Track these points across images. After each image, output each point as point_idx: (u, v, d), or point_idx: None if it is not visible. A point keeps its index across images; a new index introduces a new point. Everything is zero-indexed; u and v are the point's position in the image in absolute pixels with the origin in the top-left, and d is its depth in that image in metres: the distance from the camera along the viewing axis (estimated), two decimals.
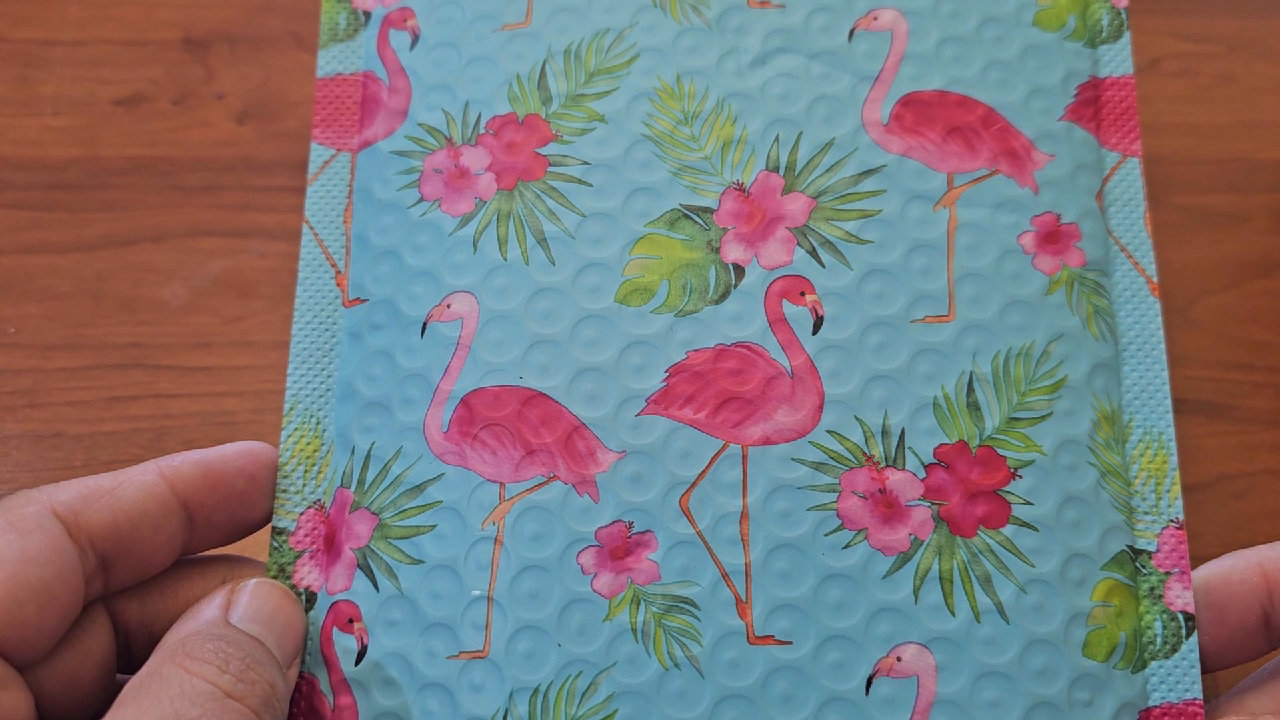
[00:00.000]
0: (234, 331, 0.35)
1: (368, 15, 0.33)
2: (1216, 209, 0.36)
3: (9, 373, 0.34)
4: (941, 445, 0.28)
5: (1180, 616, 0.28)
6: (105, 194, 0.36)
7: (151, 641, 0.28)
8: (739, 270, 0.29)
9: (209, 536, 0.28)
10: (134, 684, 0.24)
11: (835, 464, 0.28)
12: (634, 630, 0.27)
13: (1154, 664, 0.27)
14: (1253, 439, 0.34)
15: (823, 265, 0.29)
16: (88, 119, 0.36)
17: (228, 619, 0.26)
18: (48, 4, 0.37)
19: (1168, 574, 0.28)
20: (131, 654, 0.28)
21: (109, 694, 0.28)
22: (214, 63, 0.36)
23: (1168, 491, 0.29)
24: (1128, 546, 0.28)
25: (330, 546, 0.29)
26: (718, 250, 0.30)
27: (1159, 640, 0.28)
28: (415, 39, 0.32)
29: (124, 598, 0.28)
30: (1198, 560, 0.29)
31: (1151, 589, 0.28)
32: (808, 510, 0.28)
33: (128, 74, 0.37)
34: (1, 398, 0.34)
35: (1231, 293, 0.35)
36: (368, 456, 0.29)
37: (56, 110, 0.36)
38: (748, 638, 0.27)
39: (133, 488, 0.27)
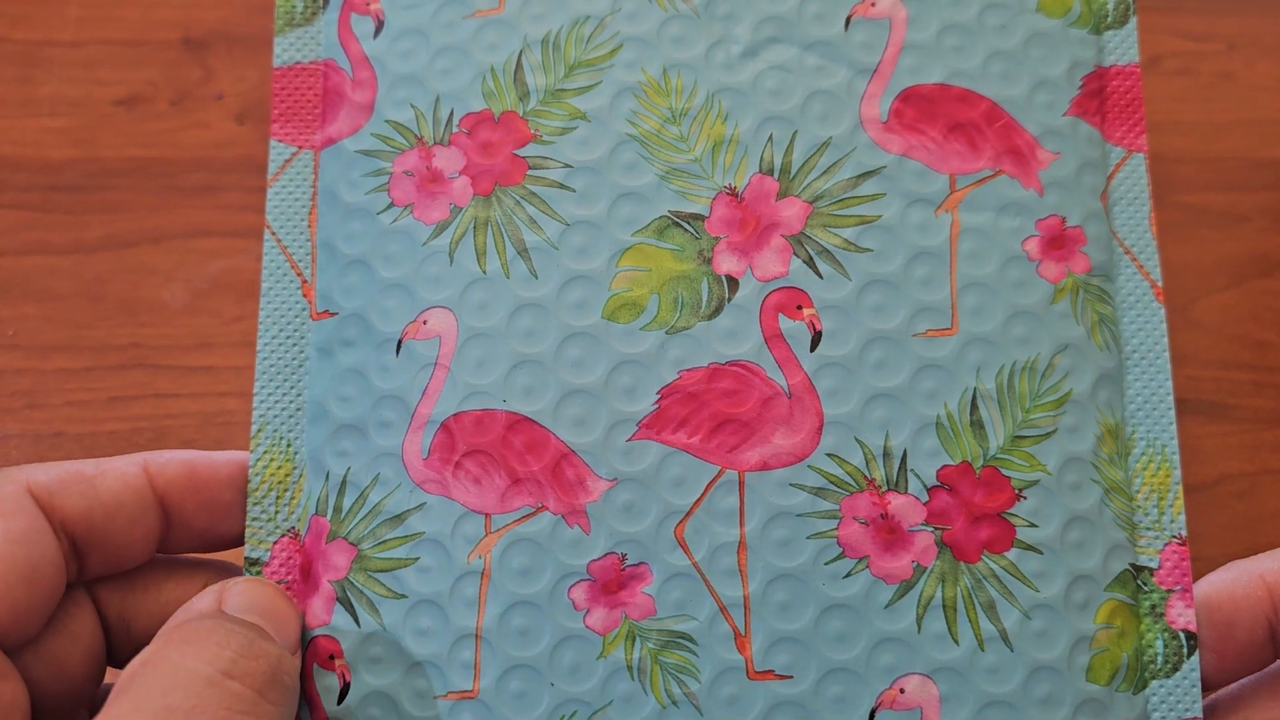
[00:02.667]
0: (233, 332, 0.35)
1: None
2: (1217, 208, 0.35)
3: (9, 374, 0.34)
4: (945, 467, 0.27)
5: (1182, 635, 0.27)
6: (104, 195, 0.36)
7: (130, 638, 0.27)
8: (732, 283, 0.28)
9: (185, 540, 0.28)
10: (128, 673, 0.23)
11: (835, 489, 0.27)
12: (629, 667, 0.26)
13: (1154, 683, 0.27)
14: (1253, 439, 0.34)
15: (820, 276, 0.28)
16: (87, 120, 0.36)
17: (222, 610, 0.25)
18: (47, 4, 0.37)
19: (1169, 591, 0.27)
20: (112, 649, 0.27)
21: (100, 688, 0.27)
22: (213, 63, 0.35)
23: (1170, 506, 0.28)
24: (1130, 565, 0.27)
25: (307, 578, 0.28)
26: (710, 261, 0.28)
27: (1160, 659, 0.27)
28: (379, 25, 0.30)
29: (106, 590, 0.27)
30: (1198, 561, 0.28)
31: (1153, 607, 0.27)
32: (807, 538, 0.27)
33: (126, 75, 0.36)
34: (1, 398, 0.34)
35: (1232, 292, 0.35)
36: (343, 482, 0.28)
37: (55, 111, 0.36)
38: (747, 673, 0.26)
39: (113, 477, 0.26)
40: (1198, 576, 0.27)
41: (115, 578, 0.27)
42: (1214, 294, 0.34)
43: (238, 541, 0.28)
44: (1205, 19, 0.36)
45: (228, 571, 0.28)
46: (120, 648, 0.27)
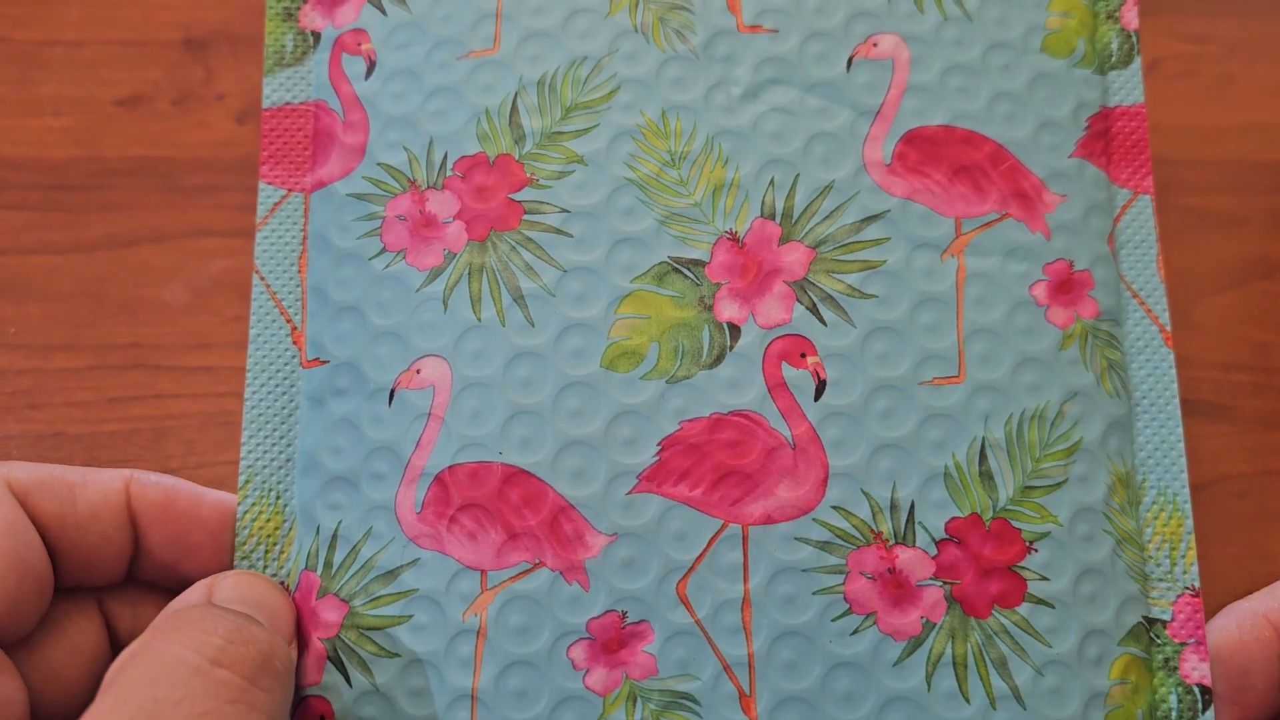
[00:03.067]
0: (234, 332, 0.35)
1: (317, 37, 0.30)
2: (1218, 210, 0.35)
3: (9, 373, 0.34)
4: (953, 519, 0.26)
5: (1196, 690, 0.26)
6: (106, 195, 0.36)
7: None
8: (734, 330, 0.27)
9: (152, 569, 0.27)
10: (117, 665, 0.23)
11: (842, 543, 0.26)
12: None
13: None
14: (1253, 440, 0.33)
15: (824, 323, 0.27)
16: (88, 119, 0.36)
17: (211, 601, 0.25)
18: (48, 5, 0.37)
19: (1183, 645, 0.27)
20: None
21: None
22: (214, 63, 0.36)
23: (1183, 557, 0.27)
24: (1143, 617, 0.27)
25: (296, 636, 0.27)
26: (711, 308, 0.27)
27: (1174, 715, 0.26)
28: (371, 66, 0.29)
29: (117, 605, 0.27)
30: (1199, 559, 0.28)
31: (1166, 660, 0.27)
32: (813, 594, 0.26)
33: (128, 75, 0.36)
34: (1, 398, 0.34)
35: (1233, 294, 0.34)
36: (334, 536, 0.27)
37: (57, 111, 0.36)
38: None
39: (94, 489, 0.26)
40: (1201, 578, 0.27)
41: (127, 592, 0.27)
42: (1214, 295, 0.34)
43: None
44: (1205, 21, 0.36)
45: None
46: None
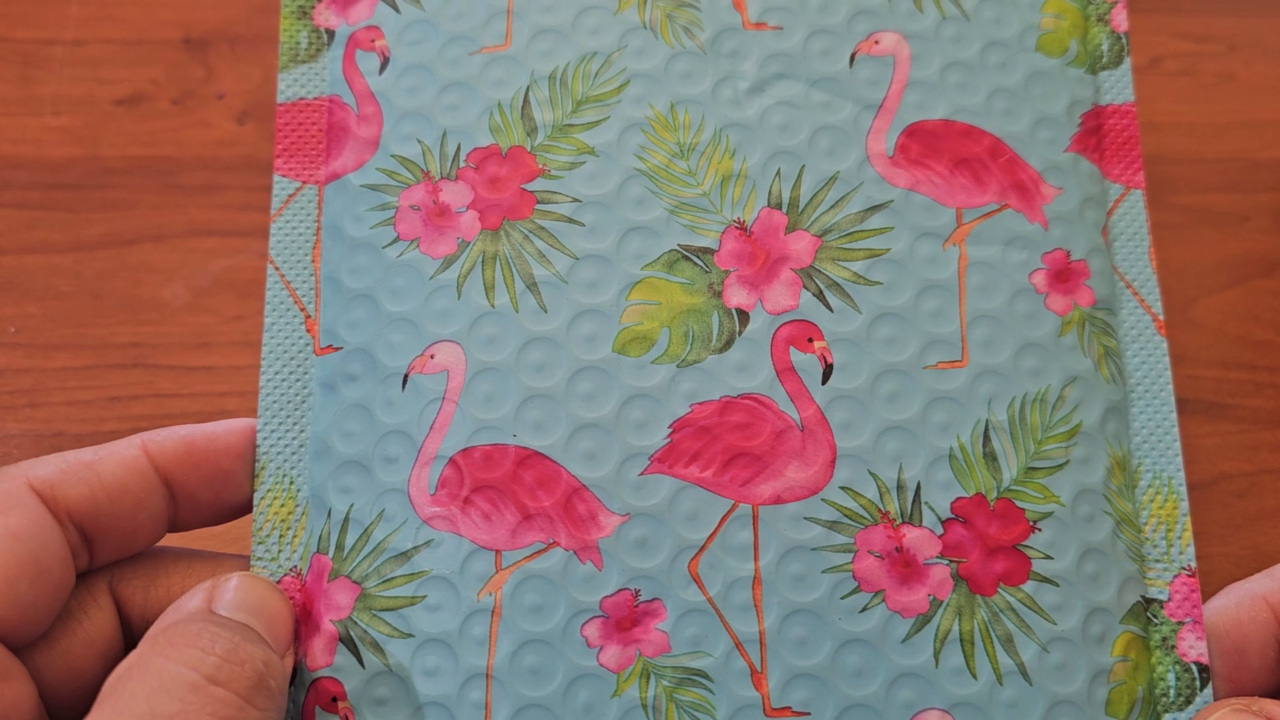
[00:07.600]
0: (234, 331, 0.35)
1: (331, 34, 0.31)
2: (1217, 208, 0.36)
3: (9, 372, 0.35)
4: (959, 499, 0.27)
5: (1194, 668, 0.27)
6: (106, 194, 0.36)
7: None
8: (743, 316, 0.28)
9: (193, 515, 0.27)
10: (115, 677, 0.23)
11: (850, 522, 0.27)
12: (644, 706, 0.26)
13: (1167, 717, 0.27)
14: (1253, 438, 0.34)
15: (830, 309, 0.28)
16: (88, 119, 0.37)
17: (212, 610, 0.25)
18: (48, 4, 0.38)
19: (1180, 624, 0.27)
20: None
21: None
22: (214, 63, 0.36)
23: (1179, 538, 0.28)
24: (1141, 597, 0.27)
25: (307, 619, 0.27)
26: (720, 294, 0.28)
27: (1172, 693, 0.27)
28: (384, 62, 0.30)
29: (128, 588, 0.27)
30: (1198, 558, 0.28)
31: (1164, 639, 0.27)
32: (823, 572, 0.26)
33: (128, 74, 0.37)
34: (2, 398, 0.34)
35: (1232, 292, 0.35)
36: (345, 519, 0.27)
37: (57, 110, 0.36)
38: (764, 710, 0.26)
39: (113, 462, 0.26)
40: (1200, 576, 0.27)
41: (138, 576, 0.27)
42: (1214, 294, 0.34)
43: (248, 510, 0.28)
44: (1205, 20, 0.37)
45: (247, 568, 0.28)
46: None
